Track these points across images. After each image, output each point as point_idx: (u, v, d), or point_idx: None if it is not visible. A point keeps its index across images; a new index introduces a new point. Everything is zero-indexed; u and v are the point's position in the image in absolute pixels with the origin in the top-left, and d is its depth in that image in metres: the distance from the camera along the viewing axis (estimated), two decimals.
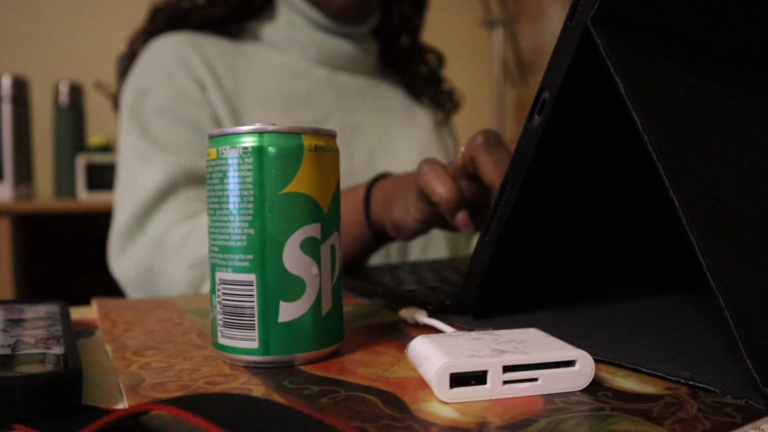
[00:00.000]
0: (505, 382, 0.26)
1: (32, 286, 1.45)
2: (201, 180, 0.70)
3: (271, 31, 0.82)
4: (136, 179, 0.70)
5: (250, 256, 0.30)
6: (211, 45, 0.79)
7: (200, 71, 0.75)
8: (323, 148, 0.31)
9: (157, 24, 0.83)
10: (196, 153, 0.71)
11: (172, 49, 0.77)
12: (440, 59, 0.96)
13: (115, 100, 0.93)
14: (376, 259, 0.77)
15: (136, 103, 0.74)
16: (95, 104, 1.73)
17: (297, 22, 0.81)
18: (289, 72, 0.81)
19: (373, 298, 0.48)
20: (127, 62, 0.86)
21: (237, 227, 0.30)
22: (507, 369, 0.26)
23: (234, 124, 0.75)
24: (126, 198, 0.70)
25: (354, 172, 0.79)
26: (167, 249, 0.66)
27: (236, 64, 0.79)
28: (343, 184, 0.77)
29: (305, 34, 0.81)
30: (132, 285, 0.70)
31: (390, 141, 0.84)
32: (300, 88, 0.80)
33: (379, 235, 0.56)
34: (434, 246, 0.82)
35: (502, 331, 0.30)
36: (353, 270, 0.56)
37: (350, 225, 0.57)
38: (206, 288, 0.64)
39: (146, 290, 0.69)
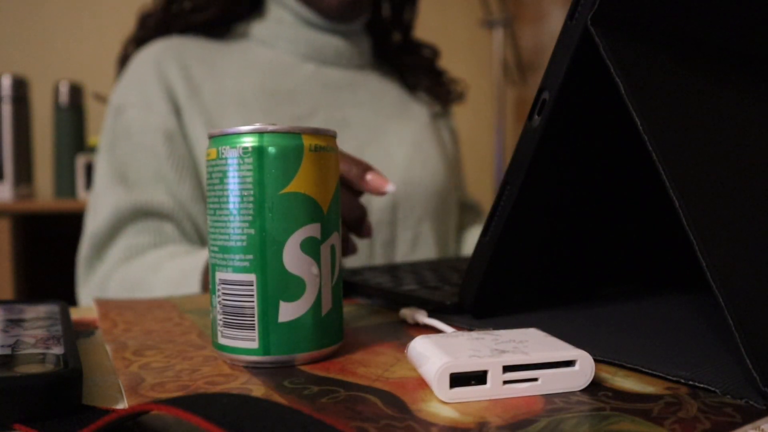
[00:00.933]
0: (505, 382, 0.26)
1: (32, 286, 1.45)
2: (150, 213, 0.72)
3: (259, 28, 0.82)
4: (96, 207, 0.73)
5: (250, 256, 0.30)
6: (195, 48, 0.80)
7: (176, 84, 0.76)
8: (323, 148, 0.31)
9: (147, 30, 0.83)
10: (153, 183, 0.73)
11: (152, 61, 0.78)
12: (435, 52, 0.96)
13: None
14: (359, 260, 0.77)
15: (112, 121, 0.77)
16: (95, 104, 1.73)
17: (286, 19, 0.81)
18: (274, 67, 0.81)
19: (373, 298, 0.48)
20: (119, 68, 0.87)
21: (237, 227, 0.30)
22: (507, 369, 0.26)
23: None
24: (89, 223, 0.74)
25: None
26: (108, 295, 0.70)
27: (218, 64, 0.79)
28: None
29: (294, 30, 0.81)
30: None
31: (381, 135, 0.84)
32: (285, 83, 0.80)
33: None
34: (422, 246, 0.82)
35: (502, 331, 0.30)
36: (353, 270, 0.56)
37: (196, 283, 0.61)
38: None
39: None
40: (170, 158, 0.73)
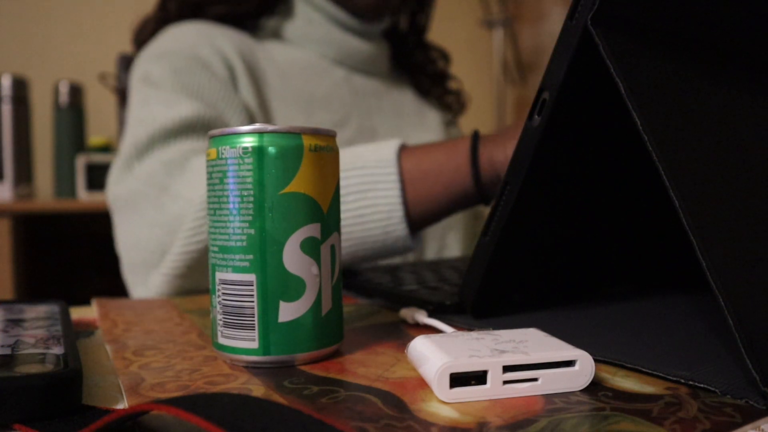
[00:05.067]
0: (505, 382, 0.26)
1: (32, 286, 1.45)
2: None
3: (288, 28, 0.81)
4: (152, 114, 0.63)
5: (250, 256, 0.30)
6: (237, 39, 0.76)
7: (231, 56, 0.71)
8: (323, 148, 0.31)
9: (168, 14, 0.78)
10: (229, 106, 0.65)
11: (199, 30, 0.72)
12: (445, 57, 0.96)
13: (120, 94, 0.89)
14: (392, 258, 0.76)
15: (152, 66, 0.68)
16: (95, 104, 1.73)
17: (315, 18, 0.80)
18: (309, 71, 0.79)
19: (373, 298, 0.48)
20: (135, 52, 0.81)
21: (237, 227, 0.30)
22: (507, 369, 0.26)
23: (265, 121, 0.72)
24: (137, 128, 0.62)
25: None
26: (187, 170, 0.58)
27: (260, 60, 0.77)
28: None
29: (324, 31, 0.80)
30: (127, 204, 0.60)
31: None
32: (320, 88, 0.79)
33: (480, 185, 0.51)
34: (448, 255, 0.82)
35: (502, 331, 0.30)
36: (353, 270, 0.56)
37: (443, 173, 0.51)
38: None
39: (144, 212, 0.59)
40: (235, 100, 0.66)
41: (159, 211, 0.58)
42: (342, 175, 0.53)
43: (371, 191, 0.52)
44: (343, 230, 0.52)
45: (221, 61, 0.70)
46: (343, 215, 0.52)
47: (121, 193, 0.61)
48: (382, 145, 0.54)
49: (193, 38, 0.71)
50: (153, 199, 0.58)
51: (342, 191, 0.52)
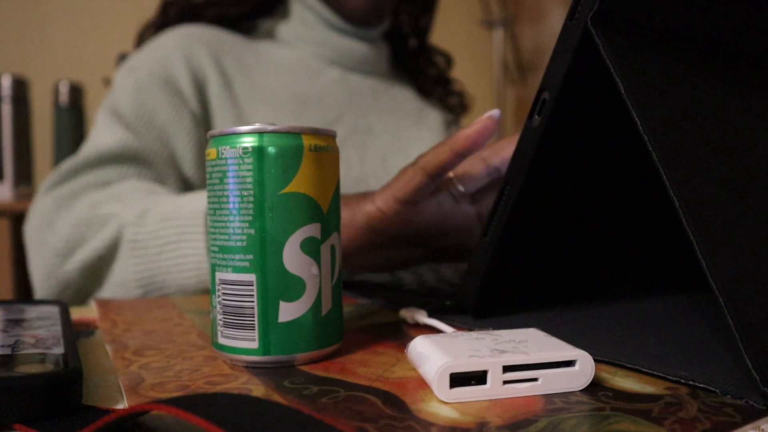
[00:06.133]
0: (505, 382, 0.26)
1: (32, 286, 1.45)
2: (144, 163, 0.67)
3: (283, 28, 0.81)
4: (94, 137, 0.69)
5: (250, 256, 0.30)
6: (225, 40, 0.77)
7: (207, 73, 0.73)
8: (323, 147, 0.31)
9: (168, 18, 0.81)
10: (151, 141, 0.68)
11: (180, 41, 0.74)
12: (448, 60, 0.96)
13: None
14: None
15: (122, 78, 0.72)
16: (95, 104, 1.73)
17: (310, 20, 0.80)
18: (301, 71, 0.80)
19: (373, 298, 0.48)
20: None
21: (237, 227, 0.30)
22: (507, 369, 0.26)
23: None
24: (84, 146, 0.68)
25: (366, 175, 0.78)
26: (72, 207, 0.61)
27: (249, 62, 0.77)
28: (356, 189, 0.75)
29: (319, 32, 0.80)
30: (29, 236, 0.64)
31: (402, 143, 0.84)
32: (312, 88, 0.79)
33: None
34: None
35: (502, 331, 0.30)
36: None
37: None
38: (84, 254, 0.58)
39: (36, 246, 0.62)
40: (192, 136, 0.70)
41: (43, 245, 0.61)
42: (161, 225, 0.55)
43: (184, 242, 0.54)
44: (167, 276, 0.55)
45: (190, 78, 0.72)
46: (165, 263, 0.55)
47: (28, 225, 0.65)
48: (200, 197, 0.56)
49: (167, 51, 0.73)
50: (41, 233, 0.61)
51: (160, 240, 0.55)
